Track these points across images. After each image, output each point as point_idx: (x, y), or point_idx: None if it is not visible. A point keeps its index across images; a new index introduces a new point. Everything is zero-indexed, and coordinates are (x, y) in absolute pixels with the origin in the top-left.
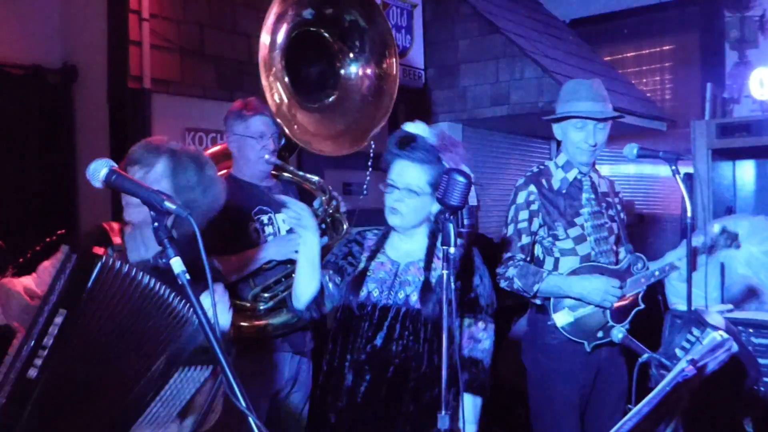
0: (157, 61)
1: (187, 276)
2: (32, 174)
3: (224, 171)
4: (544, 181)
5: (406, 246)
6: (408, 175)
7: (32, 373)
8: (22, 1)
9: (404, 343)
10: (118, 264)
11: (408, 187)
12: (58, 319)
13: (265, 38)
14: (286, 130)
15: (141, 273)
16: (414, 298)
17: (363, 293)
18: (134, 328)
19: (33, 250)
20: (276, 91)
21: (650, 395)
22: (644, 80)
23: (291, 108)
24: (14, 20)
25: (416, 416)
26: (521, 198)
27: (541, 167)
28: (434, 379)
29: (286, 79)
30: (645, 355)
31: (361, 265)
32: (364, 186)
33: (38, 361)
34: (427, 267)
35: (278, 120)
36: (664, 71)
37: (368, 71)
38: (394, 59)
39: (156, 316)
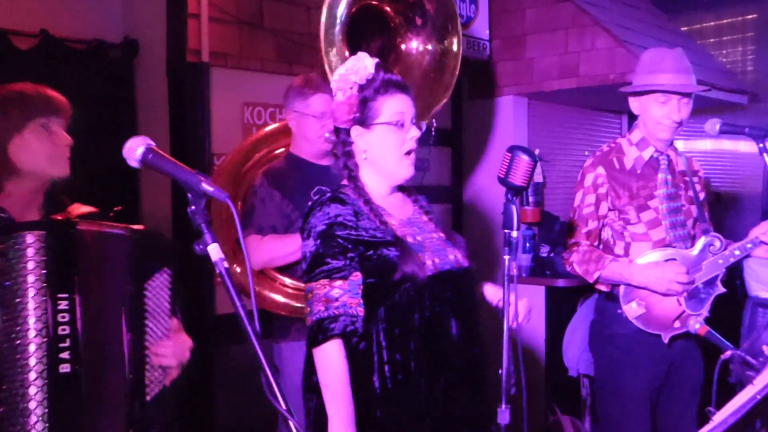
0: (215, 33)
1: (226, 264)
2: (95, 149)
3: (282, 149)
4: (615, 161)
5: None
6: (411, 107)
7: (65, 368)
8: None
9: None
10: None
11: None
12: (63, 304)
13: (326, 13)
14: None
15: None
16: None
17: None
18: (108, 272)
19: None
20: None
21: (737, 402)
22: (724, 51)
23: None
24: None
25: None
26: (588, 180)
27: (612, 145)
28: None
29: (347, 54)
30: (728, 352)
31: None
32: (427, 162)
33: (65, 354)
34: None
35: None
36: (746, 41)
37: (429, 47)
38: (457, 35)
39: (114, 251)
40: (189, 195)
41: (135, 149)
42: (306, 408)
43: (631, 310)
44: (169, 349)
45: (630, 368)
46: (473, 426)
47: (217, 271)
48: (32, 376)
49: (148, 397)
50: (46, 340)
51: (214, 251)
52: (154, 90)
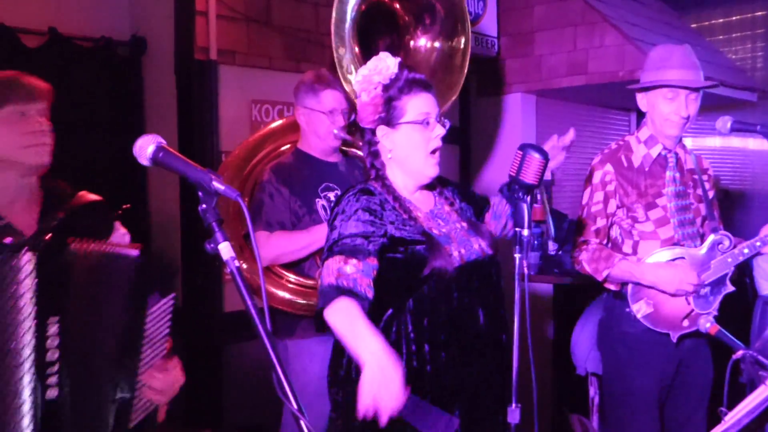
0: (223, 31)
1: (237, 263)
2: (103, 147)
3: (288, 145)
4: (623, 158)
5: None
6: (435, 105)
7: (52, 393)
8: None
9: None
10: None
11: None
12: (53, 329)
13: (336, 9)
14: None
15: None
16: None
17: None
18: (104, 295)
19: None
20: (347, 65)
21: (751, 402)
22: (734, 48)
23: None
24: None
25: None
26: (597, 178)
27: (620, 143)
28: None
29: (357, 50)
30: (739, 352)
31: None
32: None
33: (53, 379)
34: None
35: (351, 96)
36: (756, 38)
37: (437, 44)
38: (466, 34)
39: (110, 269)
40: (200, 193)
41: (146, 147)
42: (332, 402)
43: (640, 309)
44: (162, 383)
45: (638, 367)
46: (501, 413)
47: (228, 270)
48: (27, 406)
49: (131, 424)
50: (37, 365)
51: (225, 250)
52: (161, 87)
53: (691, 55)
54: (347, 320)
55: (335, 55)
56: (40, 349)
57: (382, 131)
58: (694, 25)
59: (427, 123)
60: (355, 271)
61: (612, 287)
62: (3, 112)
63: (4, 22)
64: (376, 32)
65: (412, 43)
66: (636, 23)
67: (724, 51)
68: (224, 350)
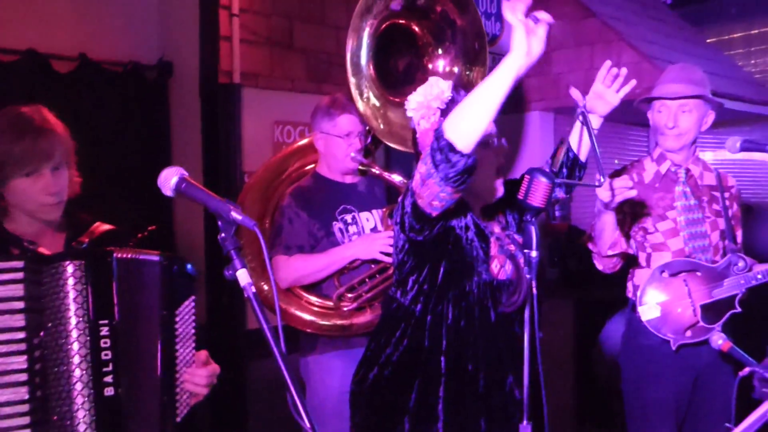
0: (246, 55)
1: (253, 289)
2: (131, 168)
3: (311, 165)
4: (634, 175)
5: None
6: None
7: (109, 391)
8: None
9: None
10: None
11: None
12: (104, 331)
13: (351, 36)
14: (375, 130)
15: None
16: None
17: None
18: (143, 298)
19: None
20: (364, 90)
21: (752, 418)
22: (753, 61)
23: (381, 107)
24: (113, 19)
25: None
26: None
27: (635, 161)
28: None
29: (372, 73)
30: (747, 369)
31: None
32: None
33: (109, 378)
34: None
35: (367, 119)
36: None
37: (455, 65)
38: (484, 53)
39: (144, 273)
40: (219, 222)
41: (169, 179)
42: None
43: (646, 311)
44: (203, 378)
45: (653, 378)
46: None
47: (245, 296)
48: (80, 400)
49: (178, 419)
50: (90, 365)
51: (243, 277)
52: (187, 110)
53: (690, 70)
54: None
55: (353, 80)
56: (94, 350)
57: None
58: (713, 40)
59: (488, 144)
60: None
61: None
62: (15, 180)
63: (36, 48)
64: (394, 54)
65: (430, 65)
66: (653, 41)
67: (744, 65)
68: (247, 366)
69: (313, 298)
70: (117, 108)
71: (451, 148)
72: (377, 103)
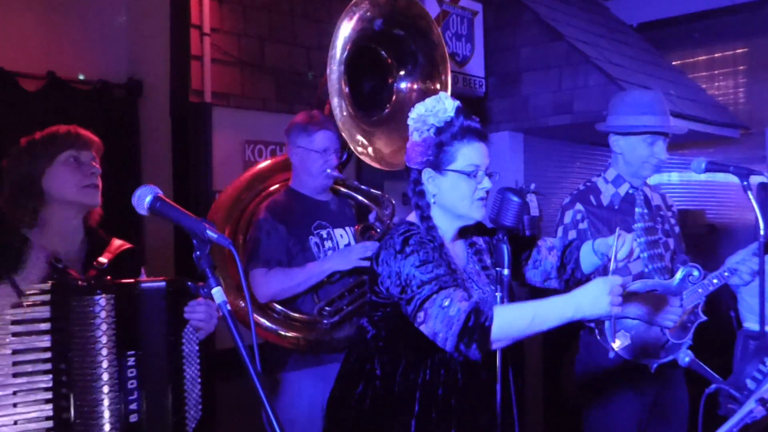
0: (217, 74)
1: (229, 307)
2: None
3: (278, 185)
4: (592, 198)
5: (459, 247)
6: (486, 156)
7: (134, 418)
8: (91, 18)
9: None
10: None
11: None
12: (131, 361)
13: (332, 54)
14: (351, 146)
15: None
16: None
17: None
18: (157, 325)
19: None
20: (340, 107)
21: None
22: (716, 84)
23: (355, 124)
24: (82, 37)
25: None
26: (568, 218)
27: (588, 184)
28: None
29: (347, 90)
30: (713, 386)
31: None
32: None
33: (134, 405)
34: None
35: (344, 135)
36: (738, 75)
37: (416, 86)
38: (445, 75)
39: (158, 301)
40: (194, 241)
41: (144, 198)
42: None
43: (618, 341)
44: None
45: (619, 399)
46: None
47: (220, 314)
48: (107, 427)
49: None
50: (118, 394)
51: (218, 295)
52: (157, 129)
53: (663, 101)
54: (518, 308)
55: (333, 98)
56: (122, 380)
57: (427, 174)
58: (677, 63)
59: (475, 175)
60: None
61: (591, 324)
62: (62, 156)
63: (4, 66)
64: (364, 75)
65: (395, 85)
66: (619, 63)
67: (707, 87)
68: (217, 387)
69: (279, 308)
70: (85, 127)
71: (486, 338)
72: (353, 119)
